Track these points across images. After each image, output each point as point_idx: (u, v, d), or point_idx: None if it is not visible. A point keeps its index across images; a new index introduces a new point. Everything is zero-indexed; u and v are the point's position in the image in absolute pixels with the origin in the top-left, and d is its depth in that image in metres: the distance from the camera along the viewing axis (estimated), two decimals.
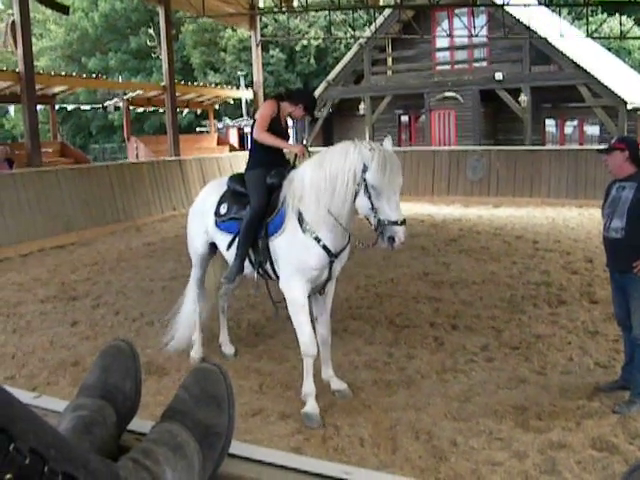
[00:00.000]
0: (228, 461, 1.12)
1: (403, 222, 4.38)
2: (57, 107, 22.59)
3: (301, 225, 4.73)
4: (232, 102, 29.90)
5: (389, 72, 25.12)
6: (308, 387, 4.68)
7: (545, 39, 20.57)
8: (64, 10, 17.38)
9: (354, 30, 24.38)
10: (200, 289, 5.87)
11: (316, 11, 26.32)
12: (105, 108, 23.56)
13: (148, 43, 37.51)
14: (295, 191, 4.80)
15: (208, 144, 23.50)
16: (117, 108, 22.70)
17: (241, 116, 31.38)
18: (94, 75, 27.42)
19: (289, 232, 4.80)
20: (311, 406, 4.59)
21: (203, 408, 1.14)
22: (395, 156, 4.49)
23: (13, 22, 13.30)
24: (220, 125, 30.08)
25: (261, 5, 21.16)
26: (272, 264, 5.00)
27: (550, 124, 24.28)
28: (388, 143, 4.62)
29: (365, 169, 4.39)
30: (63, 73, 23.69)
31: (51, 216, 12.13)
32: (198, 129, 31.47)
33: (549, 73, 21.45)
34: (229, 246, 5.26)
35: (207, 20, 30.65)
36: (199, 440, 1.09)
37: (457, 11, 22.99)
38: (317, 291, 4.97)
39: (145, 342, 6.17)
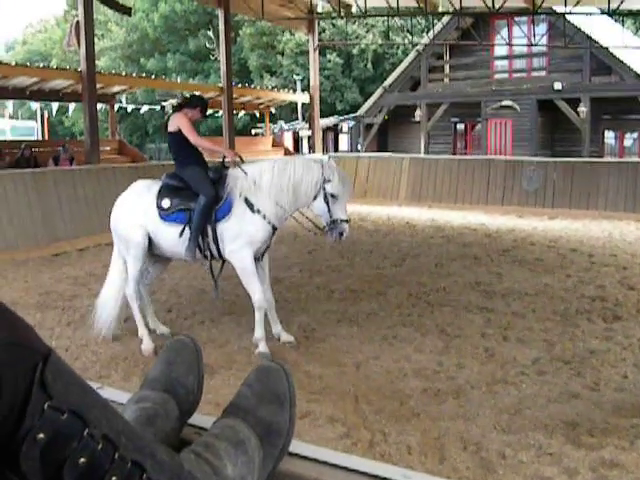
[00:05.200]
0: (288, 459, 1.12)
1: (349, 220, 6.02)
2: (117, 107, 22.96)
3: (251, 209, 5.91)
4: (288, 105, 30.08)
5: (446, 79, 25.01)
6: (260, 333, 5.89)
7: (607, 49, 20.23)
8: (127, 11, 17.70)
9: (412, 36, 24.32)
10: (138, 285, 6.36)
11: (374, 17, 26.30)
12: (163, 108, 23.88)
13: (207, 45, 37.97)
14: (244, 186, 5.98)
15: (263, 146, 23.66)
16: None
17: (296, 120, 31.51)
18: (153, 75, 27.84)
19: (237, 215, 5.94)
20: (263, 347, 5.85)
21: (265, 406, 1.15)
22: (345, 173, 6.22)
23: (77, 23, 13.59)
24: (275, 128, 30.24)
25: (320, 10, 21.23)
26: (217, 245, 6.04)
27: (609, 136, 23.87)
28: (332, 161, 6.03)
29: (325, 181, 5.84)
30: (123, 73, 24.10)
31: (107, 212, 12.17)
32: (253, 131, 31.68)
33: (610, 84, 21.09)
34: (181, 234, 6.05)
35: (265, 24, 30.91)
36: (260, 437, 1.10)
37: (517, 19, 22.73)
38: (257, 258, 6.06)
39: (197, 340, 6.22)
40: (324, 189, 5.84)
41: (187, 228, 6.01)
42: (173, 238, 6.09)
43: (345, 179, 5.99)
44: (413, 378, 5.41)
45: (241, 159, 6.31)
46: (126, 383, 5.28)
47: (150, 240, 6.21)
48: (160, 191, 6.19)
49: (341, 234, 5.91)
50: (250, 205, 5.91)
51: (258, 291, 5.88)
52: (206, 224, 5.98)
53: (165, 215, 6.09)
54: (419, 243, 12.12)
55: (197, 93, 20.44)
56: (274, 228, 6.00)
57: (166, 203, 6.10)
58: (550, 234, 13.20)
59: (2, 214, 10.87)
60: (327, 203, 5.85)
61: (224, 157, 6.47)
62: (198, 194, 6.02)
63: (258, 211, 5.89)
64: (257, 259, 6.06)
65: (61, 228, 11.46)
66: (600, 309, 7.48)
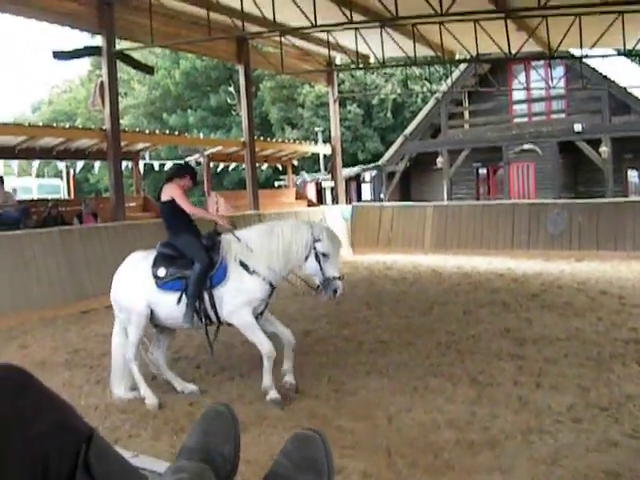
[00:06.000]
0: None
1: (343, 277, 6.17)
2: (142, 163, 23.24)
3: (247, 270, 6.11)
4: (310, 157, 30.35)
5: (466, 125, 25.14)
6: (268, 381, 6.01)
7: (624, 89, 20.28)
8: (149, 70, 18.07)
9: (430, 84, 24.57)
10: (138, 349, 6.47)
11: (392, 67, 26.62)
12: (187, 163, 24.15)
13: (228, 100, 38.57)
14: (237, 250, 6.21)
15: (287, 198, 23.80)
16: (198, 164, 23.26)
17: (319, 171, 31.74)
18: (175, 132, 28.24)
19: (235, 279, 6.13)
20: (274, 393, 5.94)
21: (303, 474, 1.13)
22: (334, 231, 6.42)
23: (102, 83, 13.88)
24: (298, 180, 30.46)
25: (338, 62, 21.53)
26: (215, 310, 6.23)
27: (632, 175, 23.80)
28: (324, 222, 6.40)
29: (315, 240, 6.04)
30: (147, 130, 24.50)
31: None
32: (276, 184, 31.94)
33: (630, 123, 21.08)
34: (179, 301, 6.20)
35: (285, 77, 31.34)
36: None
37: (534, 63, 22.92)
38: (256, 317, 6.20)
39: (226, 397, 6.20)
40: (315, 248, 6.05)
41: (184, 295, 6.18)
42: (171, 306, 6.26)
43: (335, 237, 6.24)
44: (446, 429, 5.31)
45: (234, 225, 6.56)
46: (156, 442, 5.23)
47: (151, 310, 6.37)
48: (155, 260, 6.39)
49: (335, 291, 6.07)
50: (246, 267, 6.12)
51: (265, 341, 6.05)
52: (202, 290, 6.17)
53: (162, 284, 6.28)
54: (446, 291, 12.05)
55: (219, 148, 20.74)
56: (272, 287, 6.19)
57: (162, 272, 6.29)
58: (578, 277, 13.07)
59: (31, 273, 10.99)
60: (319, 262, 6.05)
61: (216, 224, 6.69)
62: (193, 261, 6.21)
63: (254, 272, 6.10)
64: (257, 317, 6.22)
65: (88, 285, 11.54)
66: (634, 352, 7.34)
